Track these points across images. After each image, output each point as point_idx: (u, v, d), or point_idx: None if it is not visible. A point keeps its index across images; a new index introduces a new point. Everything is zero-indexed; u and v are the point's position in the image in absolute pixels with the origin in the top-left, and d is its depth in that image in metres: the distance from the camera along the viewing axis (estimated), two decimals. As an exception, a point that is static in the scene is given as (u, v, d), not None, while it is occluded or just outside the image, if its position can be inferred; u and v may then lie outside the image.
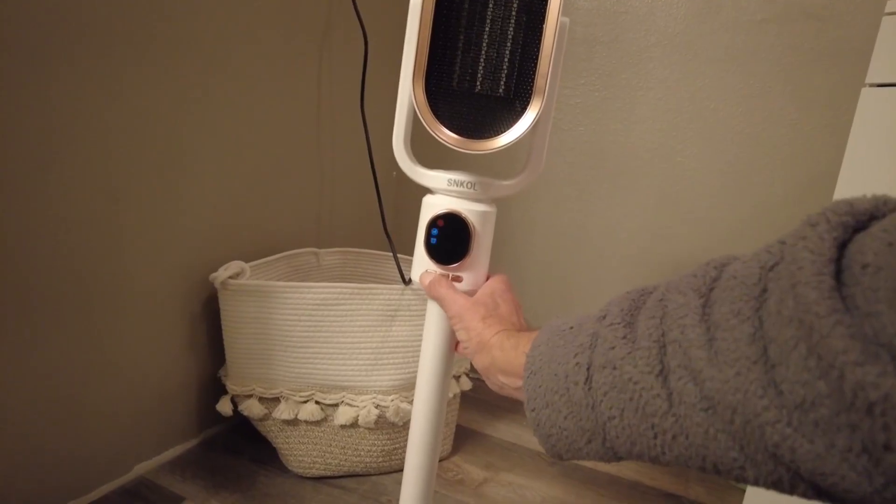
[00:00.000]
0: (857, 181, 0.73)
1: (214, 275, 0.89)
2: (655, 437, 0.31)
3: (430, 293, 0.55)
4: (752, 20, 1.12)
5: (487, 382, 0.48)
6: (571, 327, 0.38)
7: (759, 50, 1.12)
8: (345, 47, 1.17)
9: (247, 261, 0.97)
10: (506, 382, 0.45)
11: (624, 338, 0.33)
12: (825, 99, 1.07)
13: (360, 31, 1.07)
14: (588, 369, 0.34)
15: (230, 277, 0.88)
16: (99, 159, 0.76)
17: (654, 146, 1.23)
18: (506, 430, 1.19)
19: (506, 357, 0.44)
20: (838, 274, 0.24)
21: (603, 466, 1.09)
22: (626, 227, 1.27)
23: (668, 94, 1.20)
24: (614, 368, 0.33)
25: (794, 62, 1.09)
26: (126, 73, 0.77)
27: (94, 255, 0.77)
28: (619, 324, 0.34)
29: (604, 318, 0.36)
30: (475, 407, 1.27)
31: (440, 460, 1.04)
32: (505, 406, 1.29)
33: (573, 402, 0.35)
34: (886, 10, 0.71)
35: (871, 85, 0.72)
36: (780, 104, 1.11)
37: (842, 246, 0.25)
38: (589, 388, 0.34)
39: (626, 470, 1.09)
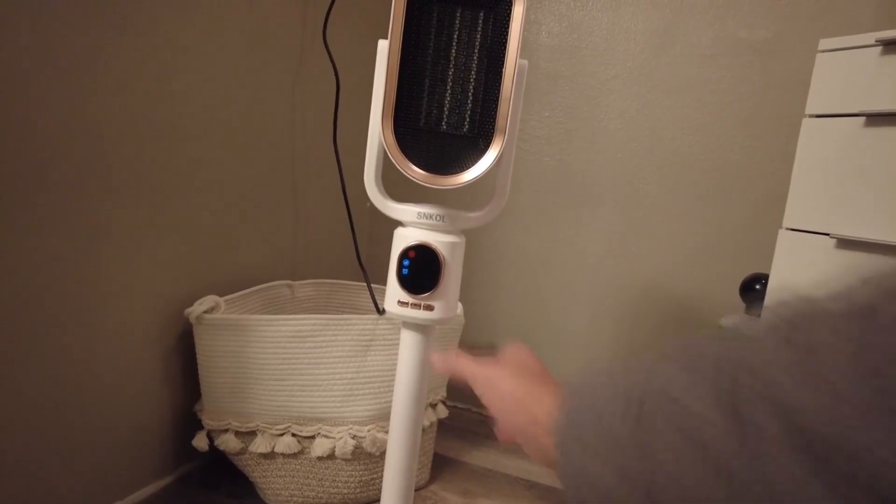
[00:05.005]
0: (803, 204, 0.78)
1: (189, 310, 0.89)
2: (720, 485, 0.25)
3: (453, 370, 0.49)
4: (704, 54, 1.18)
5: (527, 450, 0.40)
6: (618, 366, 0.33)
7: (711, 82, 1.18)
8: (317, 83, 1.21)
9: (221, 295, 0.98)
10: (546, 441, 0.36)
11: (684, 368, 0.28)
12: (774, 127, 1.14)
13: (332, 68, 1.10)
14: (639, 404, 0.29)
15: (205, 312, 0.89)
16: (77, 195, 0.76)
17: (617, 174, 1.28)
18: (483, 457, 1.20)
19: (544, 409, 0.38)
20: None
21: (579, 489, 1.11)
22: (593, 252, 1.31)
23: (629, 124, 1.26)
24: (672, 401, 0.27)
25: (744, 93, 1.16)
26: (102, 109, 0.78)
27: (69, 290, 0.78)
28: (680, 357, 0.29)
29: (661, 355, 0.31)
30: (452, 434, 1.28)
31: (418, 489, 1.05)
32: (482, 433, 1.30)
33: (615, 442, 0.29)
34: (819, 48, 0.77)
35: (810, 116, 0.78)
36: (733, 132, 1.17)
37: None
38: (638, 425, 0.28)
39: (601, 491, 1.11)
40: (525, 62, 0.56)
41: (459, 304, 1.01)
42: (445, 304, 0.59)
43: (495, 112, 0.53)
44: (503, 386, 0.43)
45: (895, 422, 0.20)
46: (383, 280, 0.61)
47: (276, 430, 0.90)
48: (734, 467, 0.24)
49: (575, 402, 0.34)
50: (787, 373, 0.23)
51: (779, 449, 0.23)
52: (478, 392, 0.46)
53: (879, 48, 0.71)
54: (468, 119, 0.54)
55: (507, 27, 0.52)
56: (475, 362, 0.47)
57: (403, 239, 0.58)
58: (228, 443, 0.91)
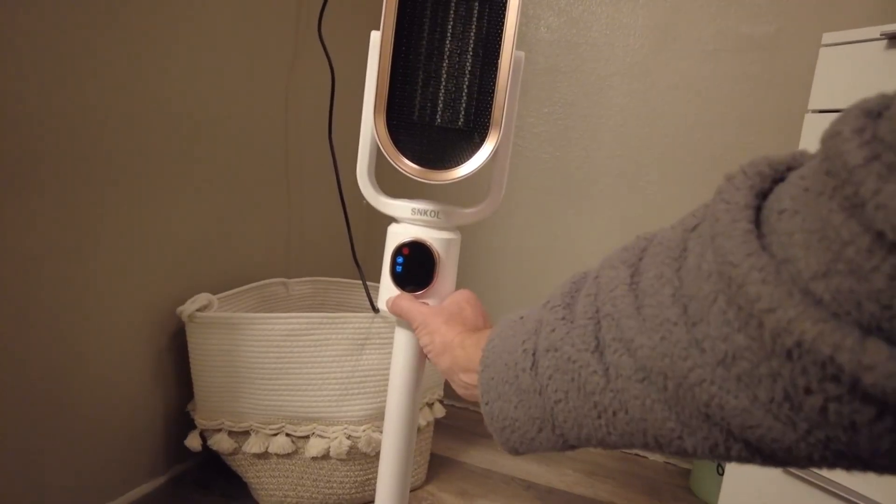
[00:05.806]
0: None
1: (181, 308, 0.88)
2: (599, 416, 0.30)
3: (394, 310, 0.55)
4: (705, 50, 1.17)
5: (454, 386, 0.46)
6: (521, 317, 0.38)
7: (713, 78, 1.17)
8: (312, 77, 1.19)
9: (215, 292, 0.96)
10: (467, 381, 0.43)
11: (563, 319, 0.33)
12: (776, 123, 1.13)
13: (327, 62, 1.09)
14: (534, 354, 0.34)
15: (197, 310, 0.88)
16: (68, 193, 0.75)
17: (617, 172, 1.26)
18: (480, 457, 1.19)
19: (466, 354, 0.43)
20: (758, 224, 0.23)
21: (578, 489, 1.10)
22: (591, 251, 1.30)
23: (628, 121, 1.24)
24: (556, 350, 0.32)
25: (746, 89, 1.14)
26: (94, 106, 0.77)
27: (59, 288, 0.76)
28: (559, 306, 0.34)
29: (547, 303, 0.36)
30: (449, 434, 1.26)
31: (414, 489, 1.03)
32: (479, 432, 1.28)
33: (522, 390, 0.35)
34: (823, 42, 0.76)
35: (813, 111, 0.77)
36: (735, 129, 1.16)
37: (762, 196, 0.24)
38: (535, 374, 0.34)
39: (601, 493, 1.09)
40: (522, 53, 0.55)
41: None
42: (440, 301, 0.57)
43: (491, 105, 0.51)
44: (435, 329, 0.48)
45: (704, 353, 0.24)
46: (379, 278, 0.60)
47: (270, 429, 0.89)
48: (604, 400, 0.29)
49: (489, 354, 0.38)
50: (632, 317, 0.27)
51: (630, 383, 0.28)
52: (415, 333, 0.52)
53: (885, 42, 0.70)
54: (463, 112, 0.52)
55: (504, 15, 0.51)
56: (417, 304, 0.53)
57: (397, 236, 0.56)
58: (221, 443, 0.89)
